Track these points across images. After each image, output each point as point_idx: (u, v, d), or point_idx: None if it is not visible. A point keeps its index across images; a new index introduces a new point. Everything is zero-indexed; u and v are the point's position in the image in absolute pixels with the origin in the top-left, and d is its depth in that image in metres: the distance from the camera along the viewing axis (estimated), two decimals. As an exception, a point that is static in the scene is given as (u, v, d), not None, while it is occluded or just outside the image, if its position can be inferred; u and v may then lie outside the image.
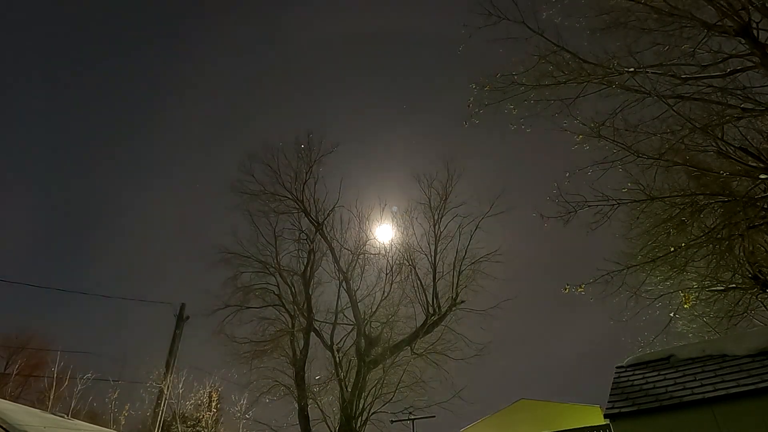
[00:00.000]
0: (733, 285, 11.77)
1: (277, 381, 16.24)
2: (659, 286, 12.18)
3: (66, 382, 15.59)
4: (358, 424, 14.49)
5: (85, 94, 57.52)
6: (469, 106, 10.47)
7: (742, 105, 8.79)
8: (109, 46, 55.09)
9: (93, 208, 56.80)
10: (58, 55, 55.06)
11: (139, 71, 57.18)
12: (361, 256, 17.64)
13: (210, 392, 17.16)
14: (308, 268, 17.63)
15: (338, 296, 16.96)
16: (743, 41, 8.58)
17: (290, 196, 17.89)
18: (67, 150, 58.35)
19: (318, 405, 15.48)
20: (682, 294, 11.63)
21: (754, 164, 9.21)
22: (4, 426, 7.28)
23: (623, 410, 6.36)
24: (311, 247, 17.88)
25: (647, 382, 6.96)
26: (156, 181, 58.61)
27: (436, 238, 17.10)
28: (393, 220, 18.00)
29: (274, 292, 17.43)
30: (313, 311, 16.92)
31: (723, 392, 5.85)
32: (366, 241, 17.87)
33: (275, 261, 17.65)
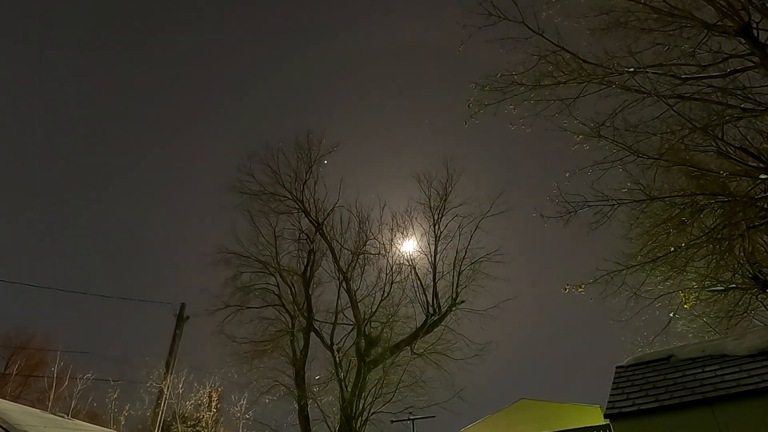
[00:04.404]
0: (733, 285, 11.76)
1: (277, 381, 16.27)
2: (659, 286, 12.16)
3: (66, 382, 15.55)
4: (358, 424, 14.50)
5: (89, 93, 57.52)
6: (469, 106, 10.46)
7: (742, 105, 8.78)
8: (123, 47, 55.13)
9: (93, 208, 56.78)
10: (69, 52, 55.11)
11: (145, 71, 57.20)
12: (361, 256, 17.67)
13: (210, 392, 17.15)
14: (308, 268, 17.64)
15: (338, 296, 17.01)
16: (743, 41, 8.57)
17: (290, 196, 17.95)
18: (69, 149, 58.37)
19: (318, 405, 15.49)
20: (682, 294, 11.61)
21: (754, 164, 9.21)
22: (4, 426, 7.27)
23: (623, 410, 6.35)
24: (311, 247, 17.91)
25: (647, 382, 6.95)
26: (157, 181, 58.62)
27: (436, 238, 17.13)
28: (394, 221, 17.97)
29: (274, 292, 17.46)
30: (313, 311, 16.94)
31: (723, 392, 5.84)
32: (366, 241, 17.91)
33: (275, 261, 17.68)
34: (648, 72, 9.10)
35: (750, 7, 8.22)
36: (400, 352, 15.91)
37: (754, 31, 8.36)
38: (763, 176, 8.83)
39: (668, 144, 9.42)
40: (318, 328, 16.78)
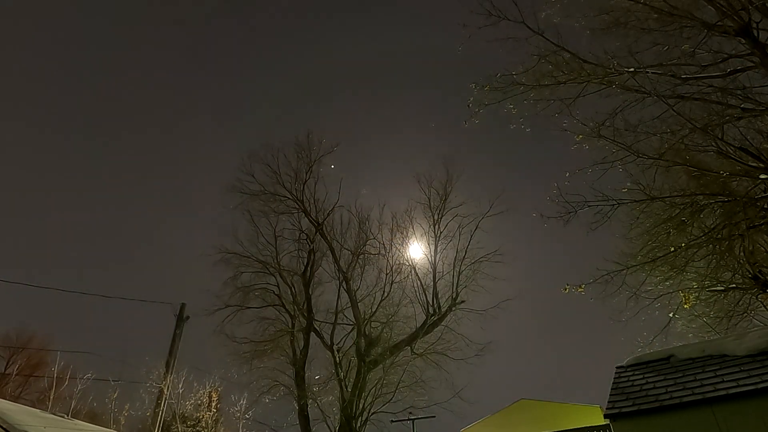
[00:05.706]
0: (733, 285, 11.76)
1: (277, 381, 16.26)
2: (659, 286, 12.15)
3: (66, 382, 15.58)
4: (358, 424, 14.50)
5: (89, 92, 57.55)
6: (469, 106, 10.46)
7: (742, 105, 8.78)
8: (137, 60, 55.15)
9: (93, 208, 56.79)
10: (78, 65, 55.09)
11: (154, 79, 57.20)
12: (361, 256, 17.66)
13: (210, 392, 17.15)
14: (308, 268, 17.64)
15: (338, 296, 17.00)
16: (743, 41, 8.58)
17: (290, 196, 17.95)
18: (69, 149, 58.37)
19: (318, 405, 15.48)
20: (682, 294, 11.60)
21: (754, 164, 9.21)
22: (4, 426, 7.27)
23: (623, 410, 6.35)
24: (311, 247, 17.90)
25: (647, 382, 6.95)
26: (157, 181, 58.64)
27: (436, 238, 17.12)
28: (394, 221, 17.96)
29: (274, 292, 17.45)
30: (313, 311, 16.94)
31: (723, 392, 5.84)
32: (366, 241, 17.91)
33: (275, 261, 17.67)
34: (648, 72, 9.10)
35: (750, 7, 8.21)
36: (400, 352, 15.91)
37: (754, 31, 8.36)
38: (763, 176, 8.82)
39: (668, 144, 9.42)
40: (318, 328, 16.78)
